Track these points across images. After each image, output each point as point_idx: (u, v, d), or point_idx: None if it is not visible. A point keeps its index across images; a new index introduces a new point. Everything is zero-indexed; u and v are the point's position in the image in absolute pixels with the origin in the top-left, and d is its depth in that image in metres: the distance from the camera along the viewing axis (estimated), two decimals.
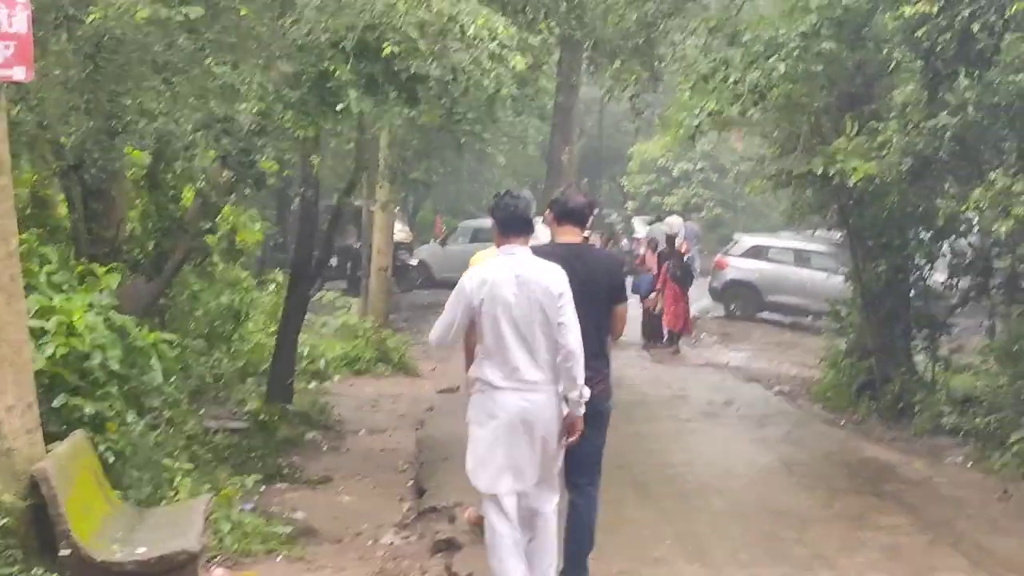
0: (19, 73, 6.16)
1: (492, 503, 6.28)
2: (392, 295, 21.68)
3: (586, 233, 7.16)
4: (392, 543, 8.45)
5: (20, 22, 6.09)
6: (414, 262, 28.76)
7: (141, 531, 6.59)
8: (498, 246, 6.37)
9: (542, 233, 7.25)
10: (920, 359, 14.38)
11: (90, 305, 7.67)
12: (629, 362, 19.14)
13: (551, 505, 6.42)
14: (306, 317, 14.35)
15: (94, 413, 7.26)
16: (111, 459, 7.28)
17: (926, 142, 11.57)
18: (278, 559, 7.78)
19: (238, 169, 10.13)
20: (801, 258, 25.45)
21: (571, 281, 6.21)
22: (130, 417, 7.66)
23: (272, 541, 7.96)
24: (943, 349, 14.12)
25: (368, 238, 20.36)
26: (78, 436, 6.87)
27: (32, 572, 6.01)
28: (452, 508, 8.77)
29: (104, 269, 8.37)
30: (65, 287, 7.96)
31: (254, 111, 9.30)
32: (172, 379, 9.03)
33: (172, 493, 7.77)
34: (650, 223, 33.97)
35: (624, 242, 31.01)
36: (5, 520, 6.05)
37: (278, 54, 8.89)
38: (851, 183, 12.34)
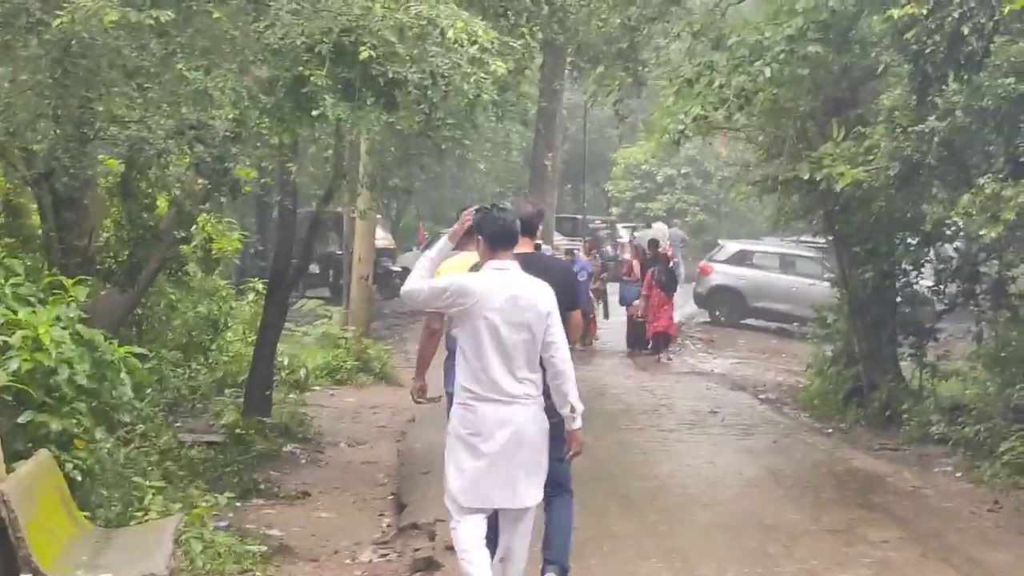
0: None
1: (465, 522, 6.08)
2: (374, 303, 21.47)
3: (537, 241, 7.06)
4: (371, 561, 8.26)
5: None
6: (397, 269, 28.62)
7: (107, 554, 6.34)
8: (485, 260, 6.18)
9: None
10: (907, 365, 14.27)
11: (57, 318, 7.40)
12: (613, 370, 19.02)
13: (527, 523, 6.25)
14: (287, 326, 14.13)
15: (61, 430, 7.00)
16: (79, 478, 7.01)
17: (914, 147, 11.47)
18: None
19: (212, 177, 9.93)
20: (786, 264, 25.38)
21: None
22: (99, 434, 7.39)
23: (246, 560, 7.72)
24: (930, 355, 14.02)
25: (350, 245, 20.16)
26: (43, 455, 6.62)
27: None
28: (432, 524, 8.55)
29: (72, 281, 8.11)
30: (32, 300, 7.73)
31: (228, 117, 9.13)
32: (146, 393, 8.80)
33: (142, 513, 7.52)
34: (634, 230, 33.90)
35: (607, 248, 30.92)
36: None
37: (252, 59, 8.72)
38: (838, 188, 12.19)
